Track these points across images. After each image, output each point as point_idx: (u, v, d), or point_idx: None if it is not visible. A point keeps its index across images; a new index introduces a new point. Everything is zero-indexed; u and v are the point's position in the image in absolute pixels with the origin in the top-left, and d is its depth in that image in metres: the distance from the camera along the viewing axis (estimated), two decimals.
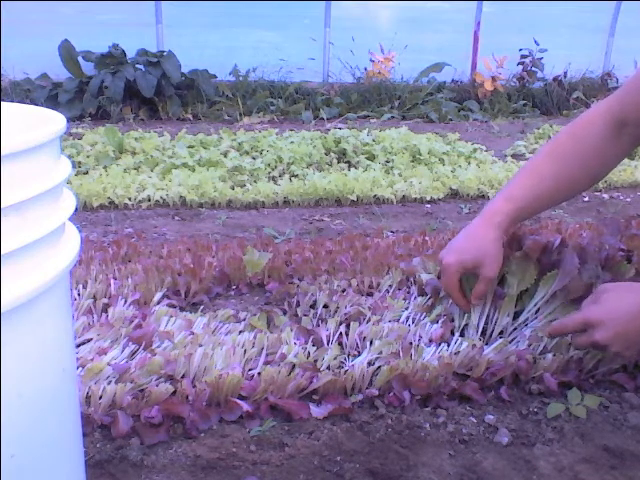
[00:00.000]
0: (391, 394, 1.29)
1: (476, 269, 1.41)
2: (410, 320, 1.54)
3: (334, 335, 1.46)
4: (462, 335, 1.49)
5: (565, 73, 6.12)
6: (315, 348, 1.39)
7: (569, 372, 1.36)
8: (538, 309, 1.51)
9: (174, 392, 1.22)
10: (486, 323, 1.50)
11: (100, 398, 1.19)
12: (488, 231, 1.40)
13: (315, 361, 1.35)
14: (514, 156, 3.90)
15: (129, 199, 2.79)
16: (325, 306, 1.63)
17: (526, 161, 1.50)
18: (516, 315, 1.53)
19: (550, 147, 1.45)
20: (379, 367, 1.33)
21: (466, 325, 1.52)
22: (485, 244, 1.40)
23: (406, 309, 1.59)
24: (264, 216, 2.72)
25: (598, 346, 1.24)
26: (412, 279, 1.75)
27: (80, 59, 5.30)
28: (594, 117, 1.42)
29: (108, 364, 1.27)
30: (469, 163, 3.51)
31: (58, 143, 0.73)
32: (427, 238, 2.11)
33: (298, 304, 1.65)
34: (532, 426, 1.24)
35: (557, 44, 6.01)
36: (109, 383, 1.22)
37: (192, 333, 1.43)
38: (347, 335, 1.46)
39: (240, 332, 1.47)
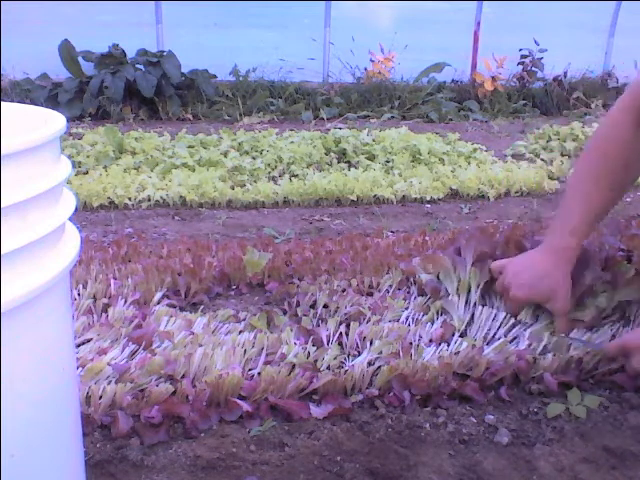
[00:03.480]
0: (391, 394, 1.29)
1: (544, 304, 1.47)
2: (410, 320, 1.54)
3: (334, 335, 1.46)
4: (462, 335, 1.49)
5: (565, 73, 6.11)
6: (315, 348, 1.39)
7: (569, 372, 1.36)
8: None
9: (174, 392, 1.22)
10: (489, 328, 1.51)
11: (100, 398, 1.19)
12: (560, 267, 1.44)
13: (315, 361, 1.35)
14: (514, 156, 3.90)
15: (129, 199, 2.79)
16: (325, 306, 1.63)
17: (569, 184, 1.54)
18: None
19: (586, 168, 1.47)
20: (379, 367, 1.33)
21: (468, 325, 1.53)
22: (557, 282, 1.44)
23: (406, 309, 1.59)
24: (264, 216, 2.71)
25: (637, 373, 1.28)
26: (412, 279, 1.75)
27: (80, 59, 5.30)
28: (617, 122, 1.43)
29: (108, 364, 1.27)
30: (469, 163, 3.51)
31: (58, 143, 0.73)
32: (427, 238, 2.11)
33: (298, 304, 1.65)
34: (532, 426, 1.24)
35: (557, 44, 6.00)
36: (109, 383, 1.22)
37: (192, 333, 1.43)
38: (347, 335, 1.46)
39: (240, 332, 1.47)
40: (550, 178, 3.31)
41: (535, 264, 1.47)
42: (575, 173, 1.50)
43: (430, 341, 1.45)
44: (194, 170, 3.17)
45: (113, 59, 5.19)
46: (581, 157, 1.51)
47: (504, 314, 1.51)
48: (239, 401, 1.22)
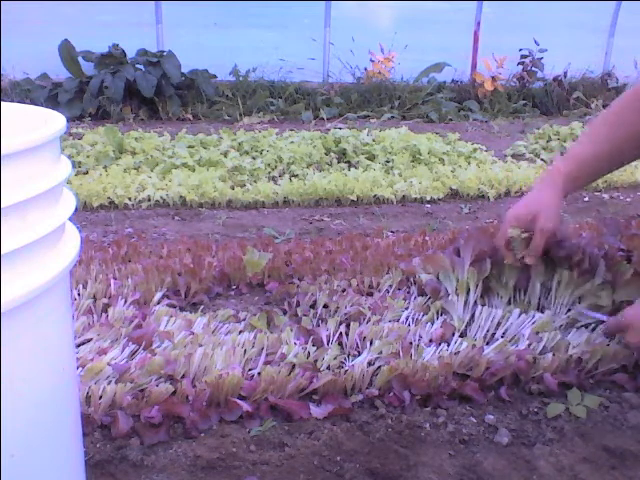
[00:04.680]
0: (391, 394, 1.29)
1: (532, 222, 1.46)
2: (410, 320, 1.54)
3: (334, 335, 1.46)
4: (462, 335, 1.49)
5: (565, 73, 6.11)
6: (315, 348, 1.39)
7: (569, 372, 1.36)
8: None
9: (174, 392, 1.22)
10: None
11: (100, 398, 1.19)
12: (545, 187, 1.47)
13: (315, 361, 1.35)
14: (514, 156, 3.90)
15: (129, 199, 2.79)
16: (325, 306, 1.63)
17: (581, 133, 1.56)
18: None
19: (614, 109, 1.46)
20: (379, 367, 1.33)
21: (468, 325, 1.53)
22: (540, 197, 1.46)
23: (406, 309, 1.59)
24: (264, 216, 2.71)
25: (632, 347, 1.35)
26: (412, 279, 1.75)
27: (80, 59, 5.30)
28: None
29: (108, 364, 1.27)
30: (469, 163, 3.51)
31: (58, 143, 0.73)
32: (427, 238, 2.11)
33: (298, 304, 1.65)
34: (532, 426, 1.24)
35: (557, 44, 6.00)
36: (109, 383, 1.22)
37: (192, 333, 1.43)
38: (347, 335, 1.46)
39: (240, 332, 1.47)
40: None
41: (529, 191, 1.53)
42: (597, 118, 1.50)
43: (430, 341, 1.45)
44: (194, 170, 3.17)
45: (113, 59, 5.19)
46: (611, 106, 1.50)
47: (502, 313, 1.52)
48: (239, 401, 1.22)
